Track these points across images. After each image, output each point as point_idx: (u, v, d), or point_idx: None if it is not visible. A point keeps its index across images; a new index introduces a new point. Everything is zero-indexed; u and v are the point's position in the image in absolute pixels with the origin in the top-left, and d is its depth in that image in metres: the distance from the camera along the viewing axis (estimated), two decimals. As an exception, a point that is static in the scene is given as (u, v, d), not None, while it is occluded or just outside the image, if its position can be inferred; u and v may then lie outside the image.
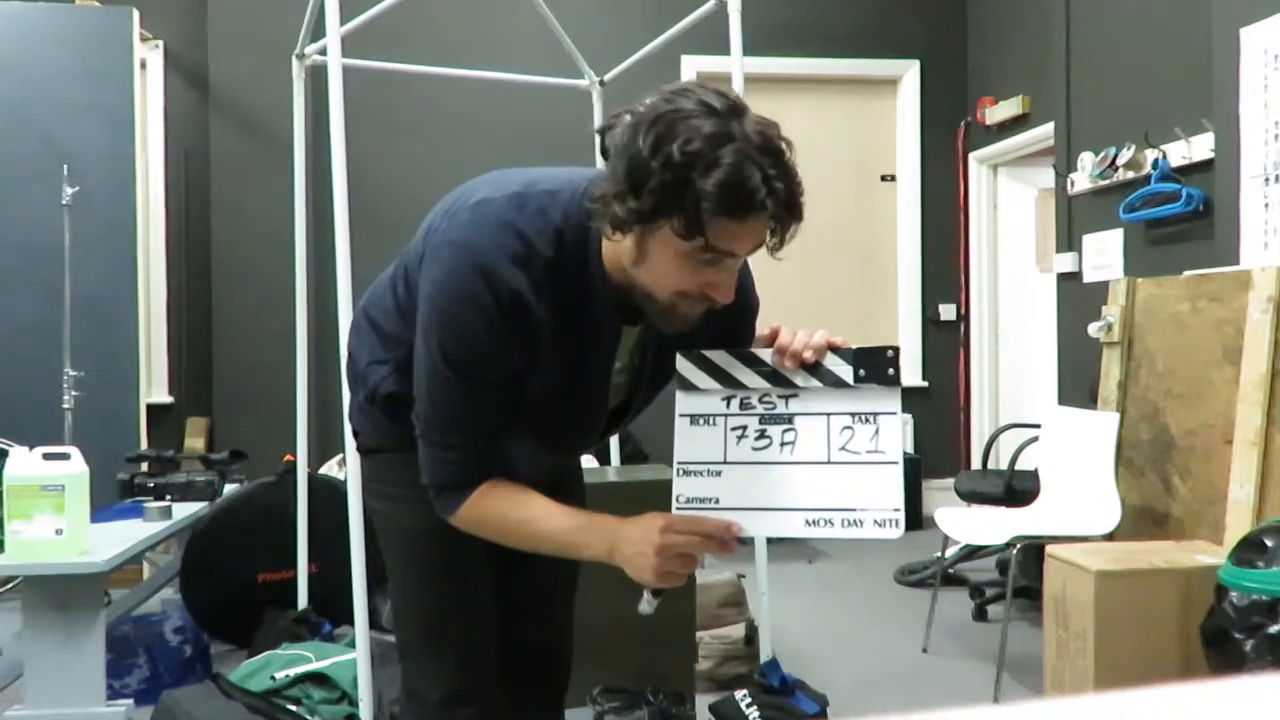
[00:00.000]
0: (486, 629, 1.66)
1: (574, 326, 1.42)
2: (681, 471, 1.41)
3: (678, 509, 1.40)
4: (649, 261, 1.33)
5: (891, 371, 1.36)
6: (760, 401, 1.39)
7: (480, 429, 1.45)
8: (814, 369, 1.38)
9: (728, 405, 1.40)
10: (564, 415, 1.53)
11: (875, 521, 1.34)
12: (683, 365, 1.44)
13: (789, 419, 1.38)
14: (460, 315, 1.38)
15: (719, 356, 1.43)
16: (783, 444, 1.38)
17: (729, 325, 1.49)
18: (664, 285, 1.34)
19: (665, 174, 1.25)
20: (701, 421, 1.41)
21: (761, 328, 1.48)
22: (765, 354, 1.41)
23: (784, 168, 1.30)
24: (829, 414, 1.37)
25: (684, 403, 1.42)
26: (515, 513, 1.46)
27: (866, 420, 1.36)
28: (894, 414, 1.36)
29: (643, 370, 1.56)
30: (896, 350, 1.37)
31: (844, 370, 1.37)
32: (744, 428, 1.39)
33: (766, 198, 1.27)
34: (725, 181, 1.24)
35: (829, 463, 1.36)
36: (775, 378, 1.39)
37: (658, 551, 1.34)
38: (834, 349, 1.39)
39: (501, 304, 1.36)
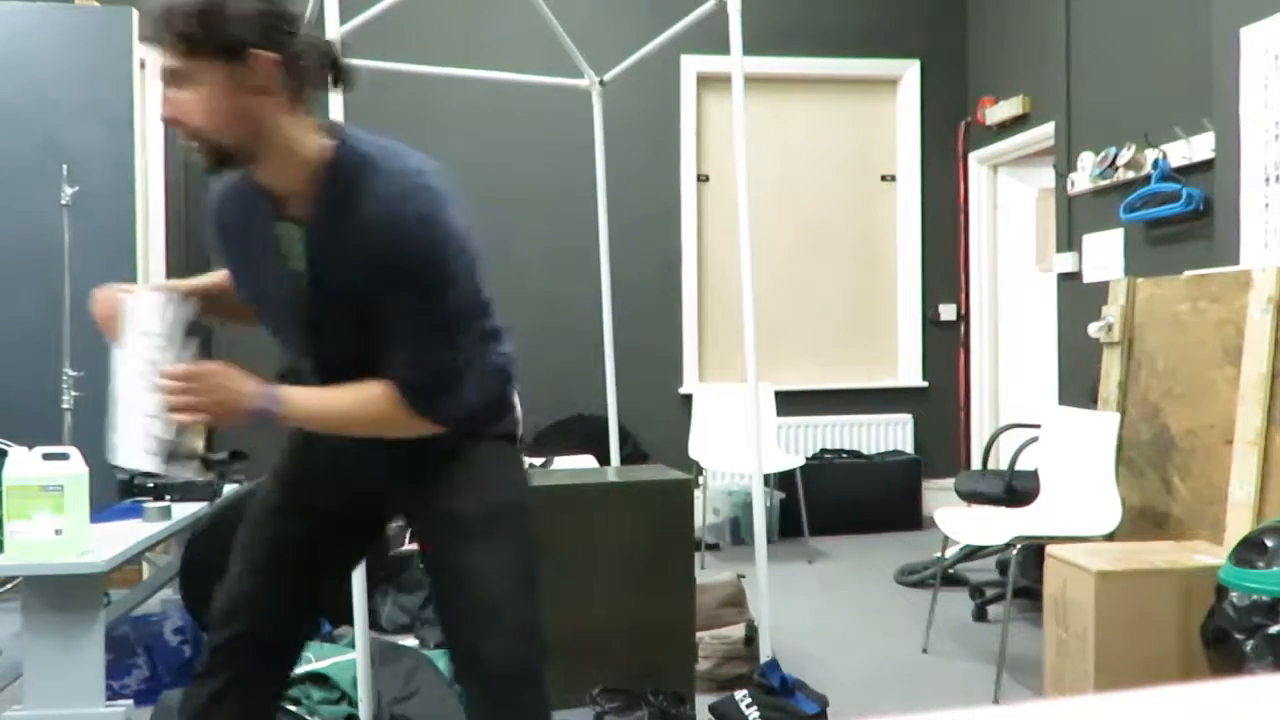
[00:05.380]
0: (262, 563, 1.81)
1: (247, 228, 1.61)
2: None
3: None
4: None
5: None
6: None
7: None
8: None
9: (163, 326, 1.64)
10: (271, 320, 1.68)
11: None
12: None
13: None
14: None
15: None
16: None
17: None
18: None
19: None
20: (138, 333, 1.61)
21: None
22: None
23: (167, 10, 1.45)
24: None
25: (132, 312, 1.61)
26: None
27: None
28: None
29: (313, 278, 1.58)
30: None
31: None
32: None
33: (154, 27, 1.45)
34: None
35: None
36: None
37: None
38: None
39: (210, 215, 1.67)
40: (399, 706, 2.73)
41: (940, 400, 6.24)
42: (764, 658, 2.98)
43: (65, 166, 4.36)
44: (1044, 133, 5.38)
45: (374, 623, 3.80)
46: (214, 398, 1.53)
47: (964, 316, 6.27)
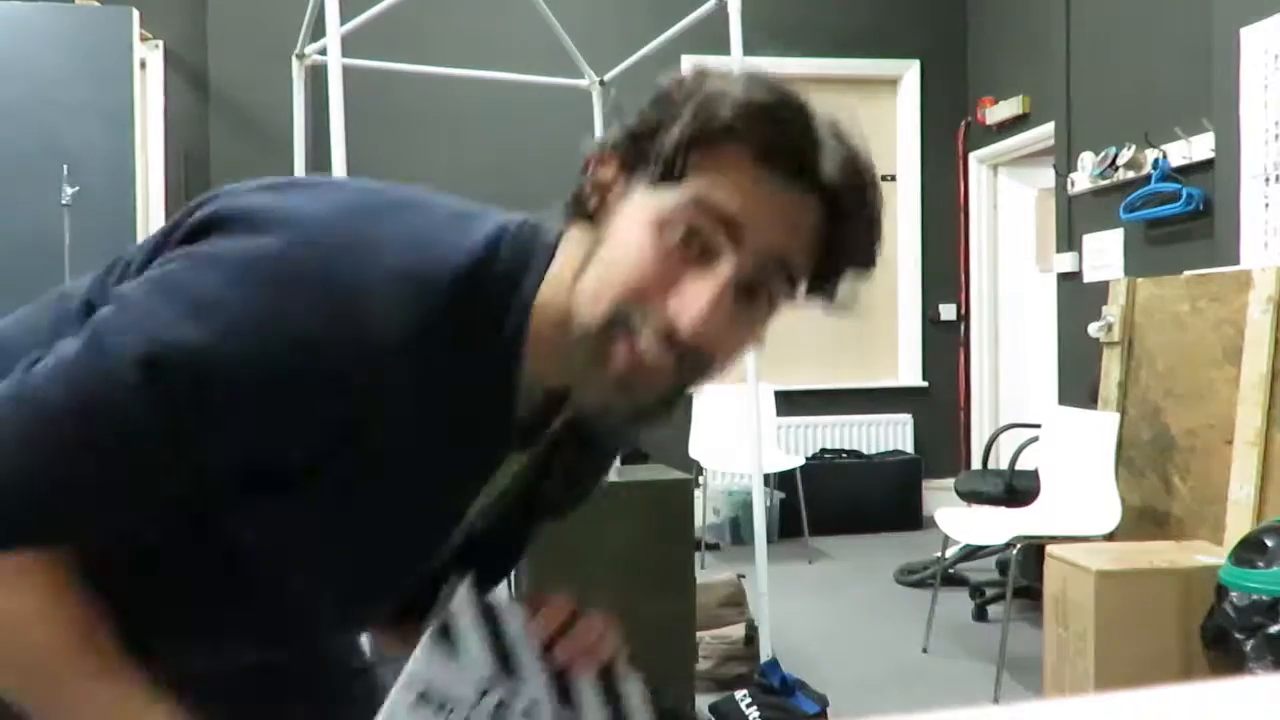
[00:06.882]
0: None
1: (437, 429, 0.82)
2: None
3: None
4: (607, 243, 0.80)
5: None
6: (524, 715, 0.90)
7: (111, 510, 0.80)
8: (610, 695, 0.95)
9: (479, 699, 0.87)
10: (359, 561, 0.88)
11: None
12: (461, 601, 0.88)
13: None
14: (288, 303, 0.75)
15: (514, 615, 0.91)
16: None
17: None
18: (612, 278, 0.78)
19: (678, 93, 0.78)
20: (433, 708, 0.85)
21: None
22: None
23: (856, 154, 0.82)
24: None
25: (421, 665, 0.85)
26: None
27: None
28: None
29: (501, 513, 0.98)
30: None
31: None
32: None
33: (815, 154, 0.77)
34: (754, 100, 0.76)
35: None
36: (560, 681, 0.93)
37: None
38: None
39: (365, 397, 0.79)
40: (399, 706, 2.72)
41: (940, 400, 6.24)
42: (764, 658, 2.98)
43: (65, 166, 4.36)
44: (1044, 133, 5.38)
45: (374, 623, 3.79)
46: None
47: (964, 316, 6.27)
